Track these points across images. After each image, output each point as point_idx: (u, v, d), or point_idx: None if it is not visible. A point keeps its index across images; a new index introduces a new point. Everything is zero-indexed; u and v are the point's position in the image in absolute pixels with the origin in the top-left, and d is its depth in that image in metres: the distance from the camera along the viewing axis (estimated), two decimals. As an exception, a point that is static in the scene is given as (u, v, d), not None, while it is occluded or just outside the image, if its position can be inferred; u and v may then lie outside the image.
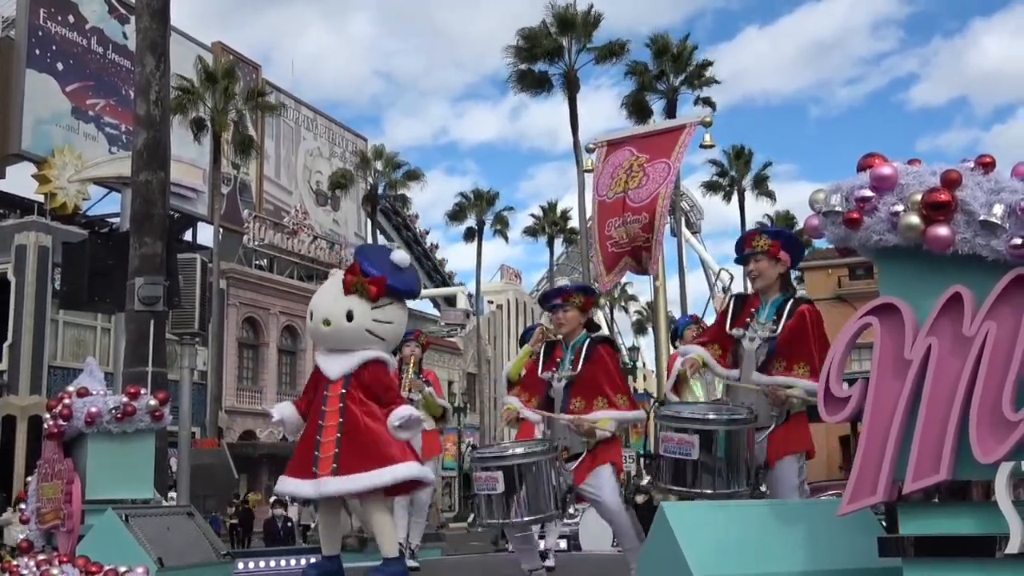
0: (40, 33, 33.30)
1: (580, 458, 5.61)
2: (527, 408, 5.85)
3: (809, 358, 5.14)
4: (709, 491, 4.88)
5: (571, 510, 5.52)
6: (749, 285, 5.62)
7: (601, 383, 5.64)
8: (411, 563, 7.91)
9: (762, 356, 5.28)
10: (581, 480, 5.58)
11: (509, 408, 5.94)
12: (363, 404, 5.64)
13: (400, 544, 7.52)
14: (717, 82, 38.84)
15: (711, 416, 4.99)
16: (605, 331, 6.22)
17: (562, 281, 45.51)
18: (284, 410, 6.10)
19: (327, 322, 5.78)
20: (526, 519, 5.28)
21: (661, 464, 4.94)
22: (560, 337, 5.98)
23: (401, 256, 5.95)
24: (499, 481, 5.22)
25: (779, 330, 5.25)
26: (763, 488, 5.05)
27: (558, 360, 5.84)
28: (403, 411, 5.59)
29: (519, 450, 5.40)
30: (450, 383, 50.49)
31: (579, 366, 5.69)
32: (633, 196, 6.82)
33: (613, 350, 5.93)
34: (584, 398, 5.65)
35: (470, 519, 28.06)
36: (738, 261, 5.61)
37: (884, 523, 4.09)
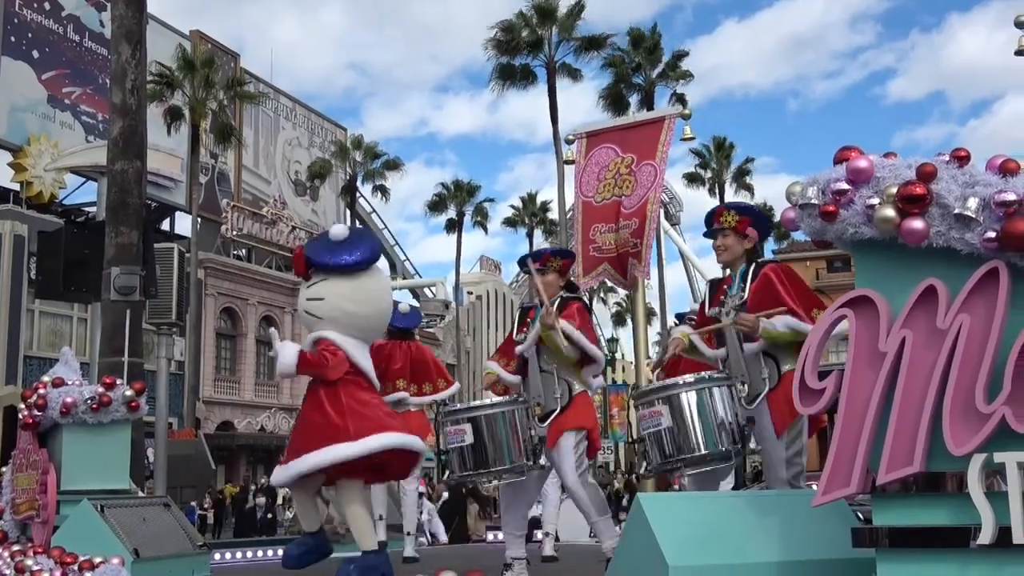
0: (16, 20, 32.98)
1: (553, 415, 5.66)
2: (505, 372, 5.91)
3: (781, 304, 5.13)
4: (696, 455, 4.84)
5: (542, 461, 5.54)
6: (707, 264, 5.73)
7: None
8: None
9: None
10: (551, 445, 5.66)
11: (489, 373, 6.04)
12: (312, 390, 5.55)
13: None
14: (691, 75, 38.98)
15: (675, 381, 5.01)
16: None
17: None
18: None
19: None
20: (496, 469, 5.33)
21: (647, 446, 4.96)
22: (536, 303, 6.04)
23: (336, 230, 5.76)
24: (467, 433, 5.30)
25: (747, 295, 5.30)
26: (753, 444, 5.02)
27: (530, 321, 5.92)
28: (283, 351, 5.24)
29: (485, 402, 5.50)
30: (429, 374, 50.38)
31: None
32: (626, 203, 6.87)
33: (584, 307, 6.01)
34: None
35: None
36: (707, 235, 5.65)
37: None
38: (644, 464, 5.33)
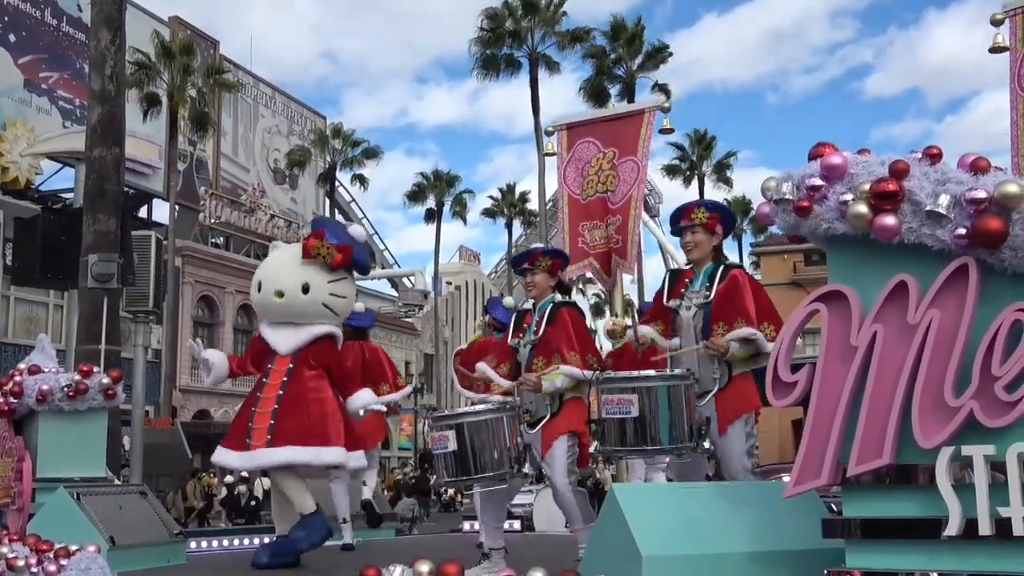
0: (-8, 4, 32.67)
1: (543, 420, 5.67)
2: (495, 373, 5.89)
3: (745, 313, 5.24)
4: (653, 447, 4.99)
5: (526, 469, 5.55)
6: (684, 256, 5.73)
7: (559, 342, 5.70)
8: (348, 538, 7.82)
9: (699, 323, 5.39)
10: (543, 452, 5.65)
11: (480, 374, 5.96)
12: (311, 380, 5.65)
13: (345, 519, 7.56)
14: (666, 61, 39.02)
15: (649, 374, 5.10)
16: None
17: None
18: (215, 356, 6.16)
19: (280, 294, 5.78)
20: (478, 476, 5.34)
21: (606, 428, 5.04)
22: (531, 305, 6.04)
23: (358, 230, 5.98)
24: (450, 439, 5.29)
25: (712, 295, 5.37)
26: (707, 444, 5.09)
27: (525, 326, 5.91)
28: (363, 399, 5.89)
29: (469, 409, 5.48)
30: (407, 364, 50.42)
31: (542, 329, 5.76)
32: (612, 199, 6.97)
33: (577, 313, 5.97)
34: (544, 357, 5.71)
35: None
36: (674, 232, 5.71)
37: None
38: (595, 444, 5.41)
